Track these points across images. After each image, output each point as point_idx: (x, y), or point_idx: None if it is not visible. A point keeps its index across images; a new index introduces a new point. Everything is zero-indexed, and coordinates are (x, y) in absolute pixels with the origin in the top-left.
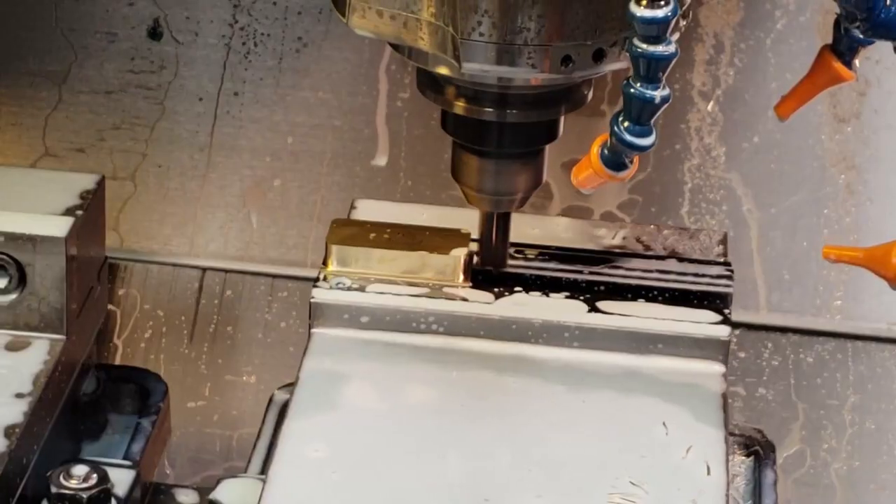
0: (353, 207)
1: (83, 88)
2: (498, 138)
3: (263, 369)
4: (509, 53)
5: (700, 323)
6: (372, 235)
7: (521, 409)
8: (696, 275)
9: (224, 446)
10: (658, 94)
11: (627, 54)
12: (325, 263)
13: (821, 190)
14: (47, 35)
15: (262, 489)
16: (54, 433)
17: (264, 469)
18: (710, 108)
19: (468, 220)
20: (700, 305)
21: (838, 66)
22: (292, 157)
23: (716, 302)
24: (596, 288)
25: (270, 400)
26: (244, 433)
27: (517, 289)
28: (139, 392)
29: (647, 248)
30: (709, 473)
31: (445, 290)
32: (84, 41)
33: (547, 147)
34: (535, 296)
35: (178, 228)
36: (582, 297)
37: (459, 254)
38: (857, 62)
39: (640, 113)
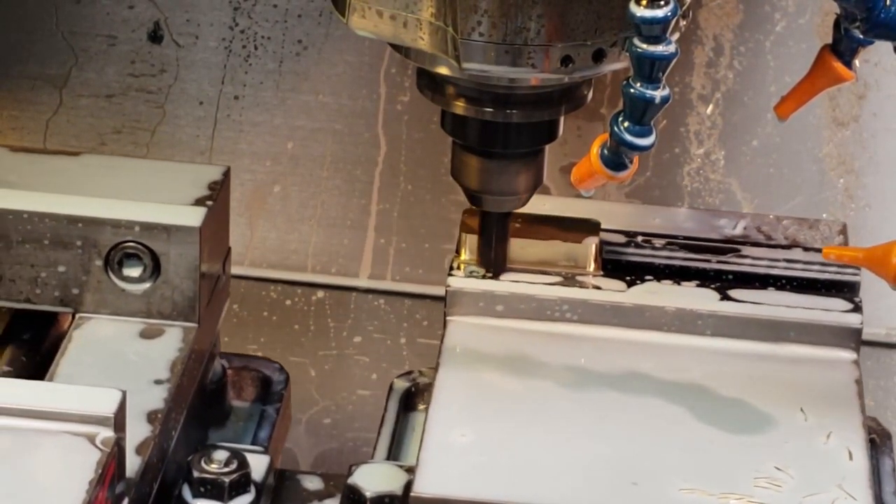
0: None
1: (84, 92)
2: (498, 138)
3: (269, 347)
4: (509, 53)
5: (832, 311)
6: None
7: (657, 396)
8: (822, 263)
9: None
10: (658, 94)
11: (627, 54)
12: (457, 252)
13: (819, 194)
14: (48, 38)
15: (414, 474)
16: (187, 420)
17: (390, 455)
18: (709, 111)
19: (592, 210)
20: (829, 294)
21: (838, 66)
22: (292, 161)
23: (844, 290)
24: (725, 276)
25: (391, 388)
26: None
27: (648, 277)
28: (260, 380)
29: (769, 237)
30: (851, 459)
31: (578, 278)
32: (84, 44)
33: (546, 148)
34: (667, 284)
35: None
36: (713, 286)
37: (591, 242)
38: (856, 62)
39: (640, 113)
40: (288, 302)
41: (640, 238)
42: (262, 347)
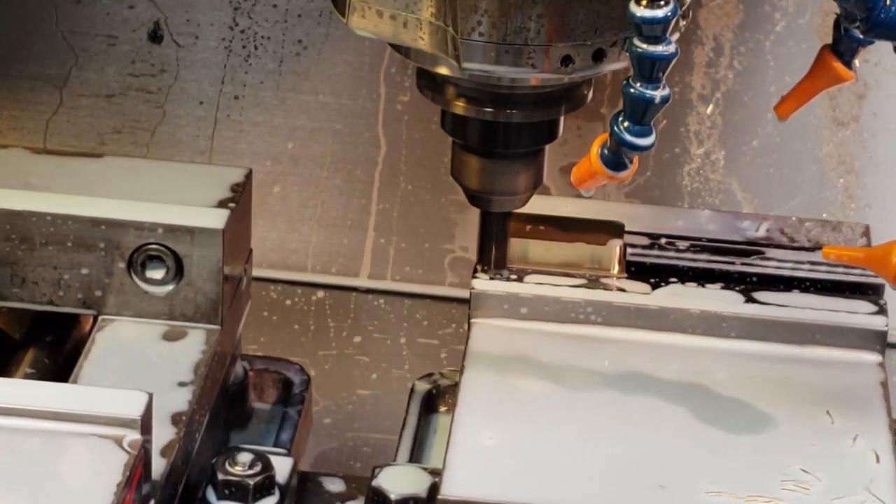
0: None
1: (84, 92)
2: (498, 138)
3: (269, 347)
4: (509, 53)
5: (857, 313)
6: (528, 227)
7: (682, 398)
8: (846, 266)
9: None
10: (658, 94)
11: (627, 54)
12: None
13: (819, 194)
14: (48, 38)
15: (441, 476)
16: (210, 422)
17: (412, 457)
18: (709, 111)
19: (615, 212)
20: (853, 296)
21: (838, 66)
22: (292, 161)
23: (869, 292)
24: (749, 279)
25: (412, 390)
26: None
27: (672, 279)
28: (281, 381)
29: (792, 239)
30: (878, 461)
31: (602, 280)
32: (84, 44)
33: (547, 148)
34: (691, 286)
35: None
36: (737, 288)
37: (616, 245)
38: (856, 62)
39: (640, 113)
40: (288, 302)
41: (663, 240)
42: (262, 347)
